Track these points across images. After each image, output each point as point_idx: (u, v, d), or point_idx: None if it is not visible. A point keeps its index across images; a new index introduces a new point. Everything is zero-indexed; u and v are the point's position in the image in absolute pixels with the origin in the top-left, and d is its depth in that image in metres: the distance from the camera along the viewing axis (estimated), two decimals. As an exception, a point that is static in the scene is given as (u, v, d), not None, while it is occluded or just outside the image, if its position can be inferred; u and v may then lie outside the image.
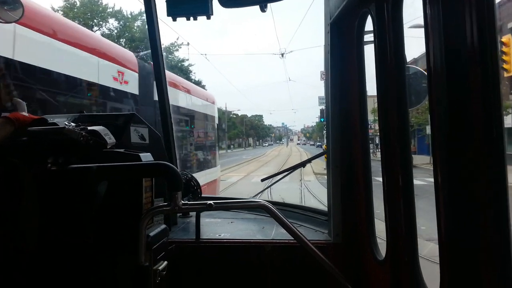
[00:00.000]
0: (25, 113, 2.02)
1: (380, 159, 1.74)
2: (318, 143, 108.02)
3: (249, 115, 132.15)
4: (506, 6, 27.28)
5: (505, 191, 1.00)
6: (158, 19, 3.08)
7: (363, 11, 1.93)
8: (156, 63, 3.15)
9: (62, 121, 1.99)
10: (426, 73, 1.20)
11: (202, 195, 2.87)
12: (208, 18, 2.40)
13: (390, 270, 1.75)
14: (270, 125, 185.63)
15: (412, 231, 1.59)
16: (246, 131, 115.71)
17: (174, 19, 2.43)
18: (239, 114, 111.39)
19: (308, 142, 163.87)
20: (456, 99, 1.07)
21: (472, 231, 1.05)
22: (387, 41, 1.63)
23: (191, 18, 2.41)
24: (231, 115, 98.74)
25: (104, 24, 36.30)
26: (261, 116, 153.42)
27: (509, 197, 1.00)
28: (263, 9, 2.18)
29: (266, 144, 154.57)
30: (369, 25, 1.92)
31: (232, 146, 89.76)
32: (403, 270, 1.65)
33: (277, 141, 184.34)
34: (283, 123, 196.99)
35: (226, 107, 79.48)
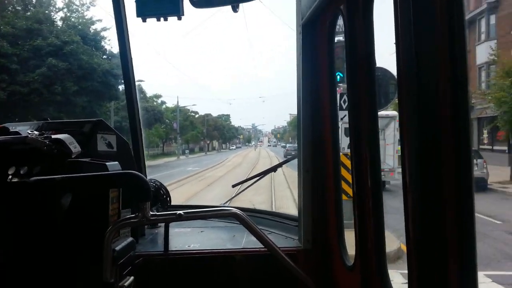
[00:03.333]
0: None
1: None
2: (285, 145, 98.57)
3: (214, 115, 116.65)
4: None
5: (470, 191, 1.03)
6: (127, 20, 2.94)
7: (335, 11, 1.92)
8: (125, 65, 3.03)
9: (25, 129, 1.92)
10: (394, 74, 1.18)
11: (172, 204, 2.79)
12: (179, 18, 2.34)
13: (359, 276, 1.73)
14: (240, 126, 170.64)
15: (380, 237, 1.58)
16: (209, 133, 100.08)
17: (144, 20, 2.35)
18: (200, 113, 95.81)
19: (279, 143, 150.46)
20: (424, 100, 1.07)
21: (438, 232, 1.06)
22: (358, 42, 1.64)
23: (162, 19, 2.34)
24: (189, 113, 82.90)
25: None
26: (228, 116, 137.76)
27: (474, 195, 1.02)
28: (235, 9, 2.13)
29: (234, 147, 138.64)
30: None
31: (187, 151, 73.93)
32: (372, 275, 1.63)
33: (246, 143, 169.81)
34: (253, 124, 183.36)
35: (178, 102, 63.80)
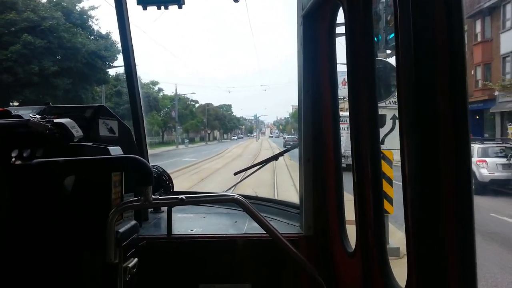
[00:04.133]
0: None
1: None
2: (284, 136, 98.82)
3: (216, 105, 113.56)
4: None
5: (469, 183, 1.06)
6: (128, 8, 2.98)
7: (335, 3, 1.99)
8: (126, 54, 3.07)
9: (27, 113, 1.97)
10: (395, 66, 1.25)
11: (174, 190, 2.87)
12: (180, 7, 2.42)
13: (360, 263, 1.80)
14: (242, 117, 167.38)
15: (380, 225, 1.65)
16: (209, 122, 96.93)
17: (145, 8, 2.41)
18: (201, 103, 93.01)
19: (281, 135, 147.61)
20: (423, 92, 1.12)
21: (437, 222, 1.11)
22: (358, 33, 1.69)
23: (162, 7, 2.40)
24: (189, 102, 79.75)
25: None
26: (229, 106, 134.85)
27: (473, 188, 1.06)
28: None
29: (235, 138, 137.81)
30: (341, 17, 1.98)
31: (187, 141, 71.28)
32: (372, 262, 1.70)
33: (248, 134, 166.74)
34: (255, 115, 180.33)
35: (176, 90, 60.79)
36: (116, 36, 31.15)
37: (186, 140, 71.49)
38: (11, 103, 24.77)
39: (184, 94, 73.01)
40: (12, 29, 24.11)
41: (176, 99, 62.14)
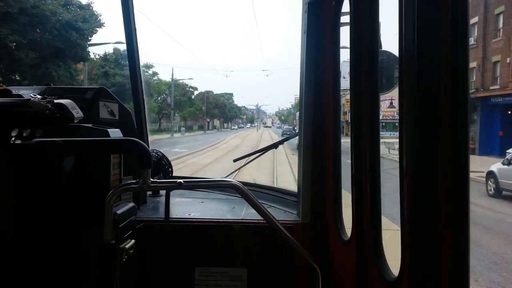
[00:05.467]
0: None
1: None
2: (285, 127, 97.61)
3: (216, 92, 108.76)
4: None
5: (466, 178, 1.06)
6: None
7: None
8: (129, 37, 3.03)
9: (28, 93, 1.95)
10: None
11: (173, 175, 2.88)
12: None
13: (355, 251, 1.81)
14: (244, 106, 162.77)
15: (376, 214, 1.66)
16: (209, 110, 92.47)
17: None
18: (201, 91, 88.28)
19: (283, 125, 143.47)
20: (426, 85, 1.11)
21: (432, 216, 1.12)
22: (363, 23, 1.67)
23: None
24: (188, 89, 75.30)
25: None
26: (231, 95, 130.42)
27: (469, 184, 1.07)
28: None
29: (236, 127, 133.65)
30: (346, 6, 1.96)
31: (183, 129, 67.25)
32: (366, 251, 1.72)
33: (249, 124, 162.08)
34: (256, 105, 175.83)
35: (172, 75, 56.29)
36: (98, 8, 27.17)
37: (183, 129, 68.78)
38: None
39: (182, 80, 69.04)
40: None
41: (172, 85, 58.04)
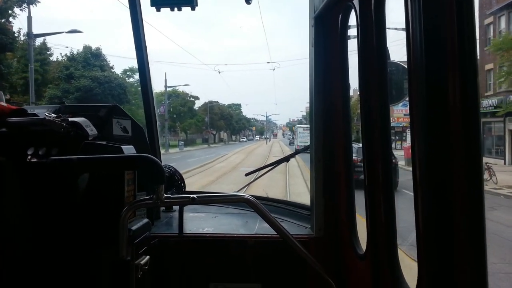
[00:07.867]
0: (3, 103, 1.99)
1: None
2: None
3: (224, 103, 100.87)
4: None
5: (480, 185, 1.06)
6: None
7: (347, 5, 1.99)
8: (140, 54, 3.10)
9: (43, 112, 2.00)
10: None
11: (186, 190, 2.91)
12: (193, 9, 2.43)
13: (370, 265, 1.82)
14: (253, 118, 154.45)
15: (391, 228, 1.66)
16: (214, 122, 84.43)
17: (158, 10, 2.44)
18: (200, 99, 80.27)
19: (294, 138, 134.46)
20: (435, 95, 1.12)
21: (448, 227, 1.11)
22: (370, 36, 1.69)
23: (175, 9, 2.44)
24: (188, 98, 67.60)
25: None
26: (238, 105, 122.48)
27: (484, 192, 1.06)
28: (248, 1, 2.21)
29: (244, 139, 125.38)
30: (353, 19, 1.98)
31: (181, 143, 59.49)
32: (382, 265, 1.71)
33: (258, 136, 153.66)
34: (266, 116, 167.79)
35: (165, 80, 48.38)
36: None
37: (181, 143, 61.01)
38: None
39: (177, 86, 60.39)
40: None
41: (165, 89, 50.16)
